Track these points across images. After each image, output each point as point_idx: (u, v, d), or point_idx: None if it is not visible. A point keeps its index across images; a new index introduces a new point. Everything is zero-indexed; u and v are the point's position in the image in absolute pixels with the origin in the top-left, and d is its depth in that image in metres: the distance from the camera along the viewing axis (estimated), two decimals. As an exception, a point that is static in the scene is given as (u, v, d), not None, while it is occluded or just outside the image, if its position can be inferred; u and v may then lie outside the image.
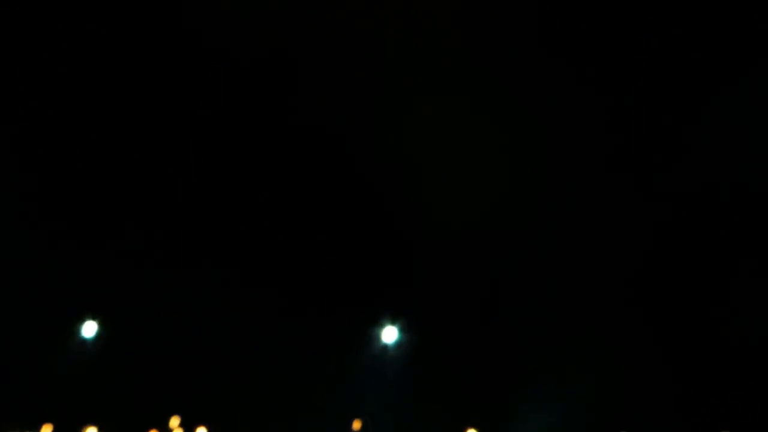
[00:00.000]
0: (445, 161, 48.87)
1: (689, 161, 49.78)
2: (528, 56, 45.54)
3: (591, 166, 55.66)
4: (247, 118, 50.09)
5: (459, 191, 52.00)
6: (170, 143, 53.59)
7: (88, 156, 52.14)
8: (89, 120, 52.33)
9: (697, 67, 45.54)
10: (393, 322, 44.95)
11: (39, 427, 73.80)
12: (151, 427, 75.38)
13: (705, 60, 46.09)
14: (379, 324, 44.93)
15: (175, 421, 72.60)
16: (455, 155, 49.36)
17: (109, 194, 53.72)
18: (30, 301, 53.63)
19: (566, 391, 49.63)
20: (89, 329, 48.87)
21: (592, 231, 56.81)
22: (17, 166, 50.54)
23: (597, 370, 48.24)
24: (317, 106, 45.59)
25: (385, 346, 45.29)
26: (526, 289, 56.65)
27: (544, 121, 47.77)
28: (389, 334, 45.88)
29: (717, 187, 48.60)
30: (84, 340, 49.56)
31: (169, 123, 51.90)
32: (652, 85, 47.09)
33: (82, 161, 52.71)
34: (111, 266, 52.49)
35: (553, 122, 48.21)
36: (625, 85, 46.99)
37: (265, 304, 49.95)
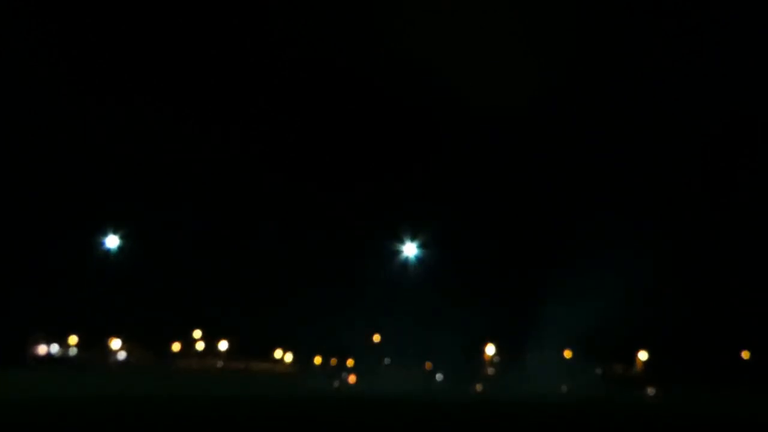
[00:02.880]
0: (468, 73, 47.57)
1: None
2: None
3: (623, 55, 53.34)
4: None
5: (478, 108, 50.54)
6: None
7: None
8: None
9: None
10: (414, 238, 45.09)
11: (66, 337, 75.25)
12: (175, 339, 76.42)
13: None
14: (400, 239, 45.10)
15: (197, 334, 73.03)
16: (477, 67, 47.95)
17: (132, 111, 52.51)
18: (55, 218, 53.31)
19: (586, 306, 49.88)
20: (114, 245, 49.11)
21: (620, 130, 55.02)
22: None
23: (618, 287, 48.34)
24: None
25: (407, 261, 45.58)
26: (544, 208, 55.96)
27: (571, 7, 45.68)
28: (410, 249, 46.13)
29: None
30: (109, 256, 49.90)
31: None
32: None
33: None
34: (134, 182, 51.76)
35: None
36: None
37: (288, 222, 49.81)
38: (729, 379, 59.62)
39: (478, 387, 65.78)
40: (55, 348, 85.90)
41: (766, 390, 54.29)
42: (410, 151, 50.49)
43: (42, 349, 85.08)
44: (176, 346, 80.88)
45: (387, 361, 74.42)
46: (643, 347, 70.50)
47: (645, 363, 79.03)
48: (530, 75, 49.25)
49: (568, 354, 70.25)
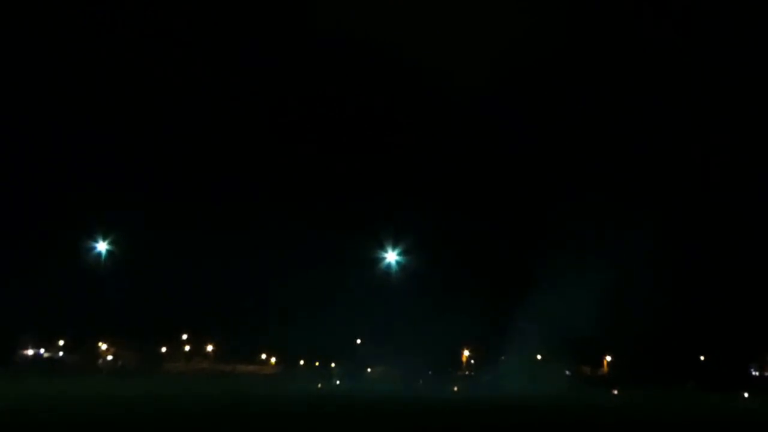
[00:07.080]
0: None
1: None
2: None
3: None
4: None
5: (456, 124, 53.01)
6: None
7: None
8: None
9: None
10: (395, 246, 47.38)
11: (53, 341, 77.42)
12: (161, 343, 78.67)
13: None
14: (382, 246, 47.33)
15: (184, 337, 75.33)
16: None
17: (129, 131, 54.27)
18: (44, 222, 55.08)
19: (557, 312, 52.59)
20: (103, 249, 50.91)
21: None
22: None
23: (586, 294, 51.15)
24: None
25: (389, 268, 47.86)
26: (518, 215, 58.50)
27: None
28: (392, 257, 48.41)
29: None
30: (98, 260, 51.71)
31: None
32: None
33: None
34: (123, 188, 53.64)
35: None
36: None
37: (275, 228, 51.99)
38: (687, 379, 63.07)
39: (455, 388, 68.42)
40: (43, 350, 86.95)
41: (720, 389, 57.87)
42: (396, 158, 52.92)
43: (30, 351, 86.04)
44: (164, 349, 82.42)
45: (369, 363, 76.69)
46: (609, 350, 73.79)
47: (611, 365, 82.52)
48: (521, 65, 50.98)
49: (539, 356, 73.36)
